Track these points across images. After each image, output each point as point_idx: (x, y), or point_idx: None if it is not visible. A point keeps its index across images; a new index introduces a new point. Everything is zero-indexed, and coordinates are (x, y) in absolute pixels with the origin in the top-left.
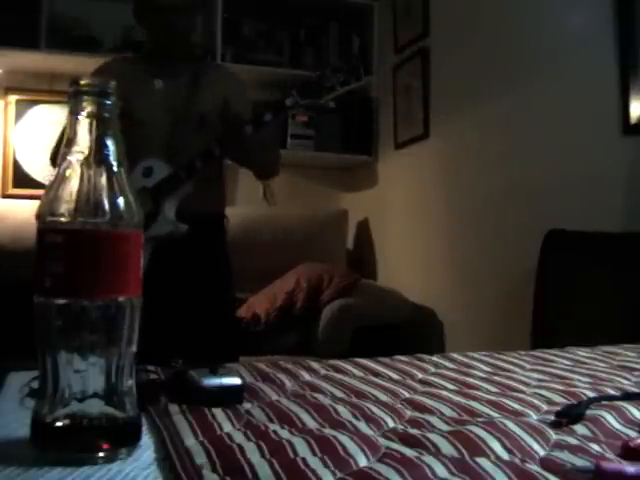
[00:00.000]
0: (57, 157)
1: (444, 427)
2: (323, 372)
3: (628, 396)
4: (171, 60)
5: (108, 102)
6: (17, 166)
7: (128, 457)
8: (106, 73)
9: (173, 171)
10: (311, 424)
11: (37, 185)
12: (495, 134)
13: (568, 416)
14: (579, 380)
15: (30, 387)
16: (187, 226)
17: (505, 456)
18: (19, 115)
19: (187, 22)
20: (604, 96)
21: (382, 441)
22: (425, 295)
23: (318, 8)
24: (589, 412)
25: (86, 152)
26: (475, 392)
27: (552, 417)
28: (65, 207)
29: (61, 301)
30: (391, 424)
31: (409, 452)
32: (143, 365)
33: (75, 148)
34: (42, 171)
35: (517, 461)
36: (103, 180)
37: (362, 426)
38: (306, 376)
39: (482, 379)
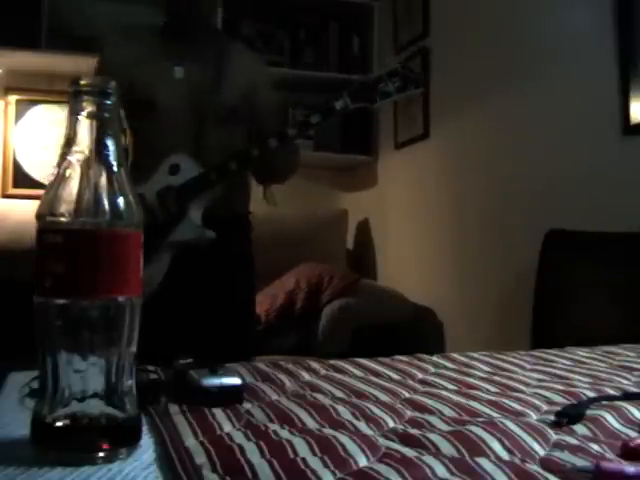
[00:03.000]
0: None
1: (444, 427)
2: (323, 372)
3: (628, 396)
4: (192, 40)
5: (108, 102)
6: (17, 166)
7: (128, 457)
8: (114, 59)
9: (204, 171)
10: (311, 424)
11: (37, 185)
12: (495, 134)
13: (568, 416)
14: (579, 380)
15: (30, 387)
16: (214, 233)
17: (505, 456)
18: (19, 115)
19: None
20: (604, 96)
21: (382, 441)
22: (425, 295)
23: (318, 8)
24: (589, 412)
25: (86, 152)
26: (475, 392)
27: (552, 417)
28: (65, 207)
29: (61, 301)
30: (391, 424)
31: (409, 452)
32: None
33: (75, 148)
34: (42, 171)
35: (517, 461)
36: (103, 180)
37: (362, 426)
38: (306, 376)
39: (482, 379)
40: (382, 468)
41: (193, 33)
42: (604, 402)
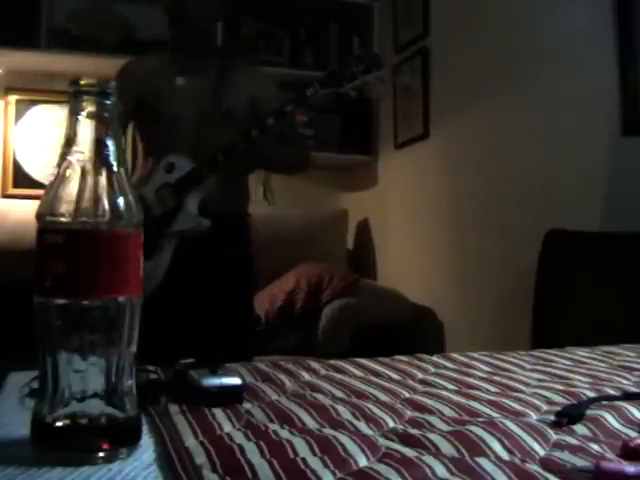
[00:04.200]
0: None
1: (444, 427)
2: (323, 372)
3: (628, 396)
4: (196, 56)
5: (108, 102)
6: (17, 166)
7: (128, 457)
8: (130, 70)
9: (195, 166)
10: (311, 424)
11: (37, 185)
12: (495, 134)
13: (568, 416)
14: (579, 380)
15: (30, 387)
16: (209, 221)
17: (505, 456)
18: (19, 115)
19: (206, 11)
20: (604, 96)
21: (382, 441)
22: (425, 295)
23: (318, 8)
24: (589, 412)
25: (86, 152)
26: (475, 392)
27: (552, 417)
28: (65, 207)
29: (61, 301)
30: (391, 424)
31: (409, 452)
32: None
33: (75, 148)
34: (42, 171)
35: (517, 461)
36: (103, 180)
37: (362, 426)
38: (306, 376)
39: (482, 379)
40: (382, 468)
41: (194, 47)
42: (604, 402)
